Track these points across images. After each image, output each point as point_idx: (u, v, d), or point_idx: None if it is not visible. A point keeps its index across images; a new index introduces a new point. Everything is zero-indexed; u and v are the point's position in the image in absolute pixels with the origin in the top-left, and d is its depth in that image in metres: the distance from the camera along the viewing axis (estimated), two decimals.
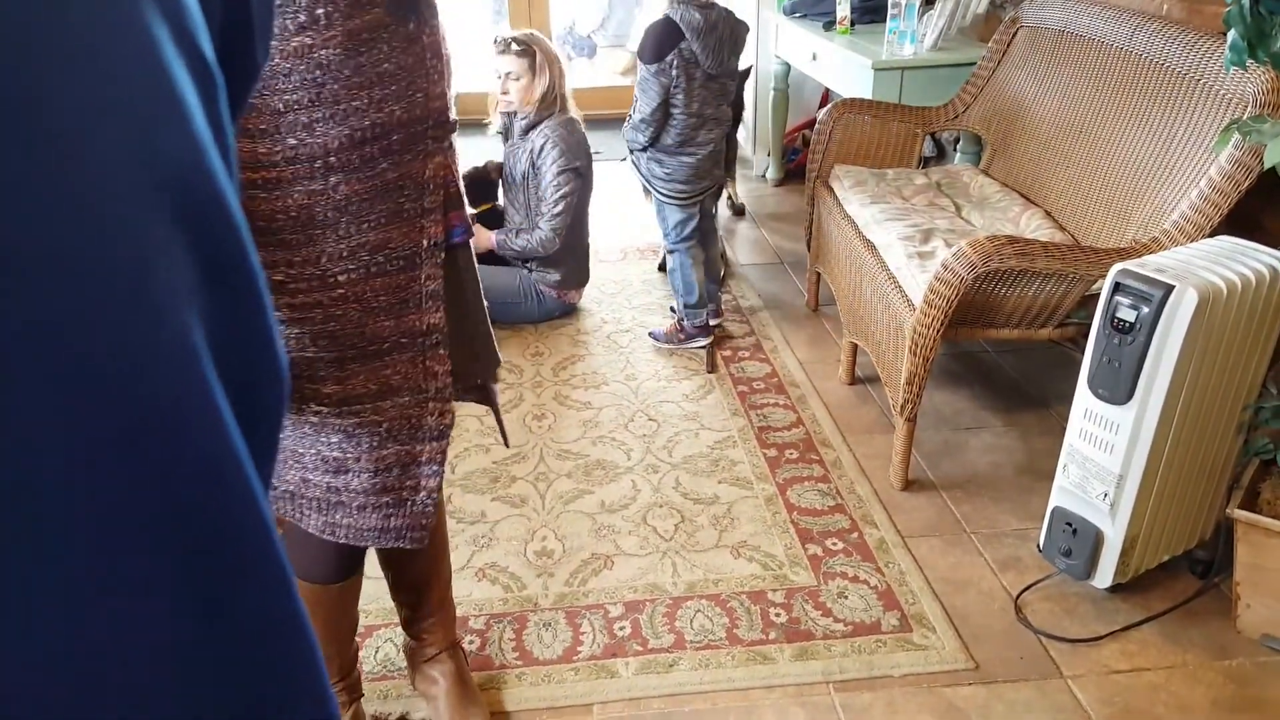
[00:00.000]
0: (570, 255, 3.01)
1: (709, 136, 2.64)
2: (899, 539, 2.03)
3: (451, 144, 1.26)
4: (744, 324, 3.02)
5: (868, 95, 2.95)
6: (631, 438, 2.43)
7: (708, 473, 2.28)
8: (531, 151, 2.89)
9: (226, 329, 0.34)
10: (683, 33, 2.47)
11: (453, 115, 1.28)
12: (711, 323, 2.87)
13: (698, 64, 2.51)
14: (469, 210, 1.41)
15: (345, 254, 1.18)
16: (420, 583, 1.57)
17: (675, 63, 2.49)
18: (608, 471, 2.29)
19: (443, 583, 1.61)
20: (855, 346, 2.60)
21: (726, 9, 2.57)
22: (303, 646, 0.38)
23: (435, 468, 1.30)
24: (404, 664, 1.68)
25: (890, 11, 2.99)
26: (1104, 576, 1.78)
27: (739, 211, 3.93)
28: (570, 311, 3.12)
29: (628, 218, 3.97)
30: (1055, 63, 2.59)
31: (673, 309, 2.96)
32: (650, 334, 2.92)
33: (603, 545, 2.03)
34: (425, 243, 1.23)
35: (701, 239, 2.80)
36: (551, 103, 2.88)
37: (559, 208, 2.88)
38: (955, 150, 3.22)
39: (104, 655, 0.30)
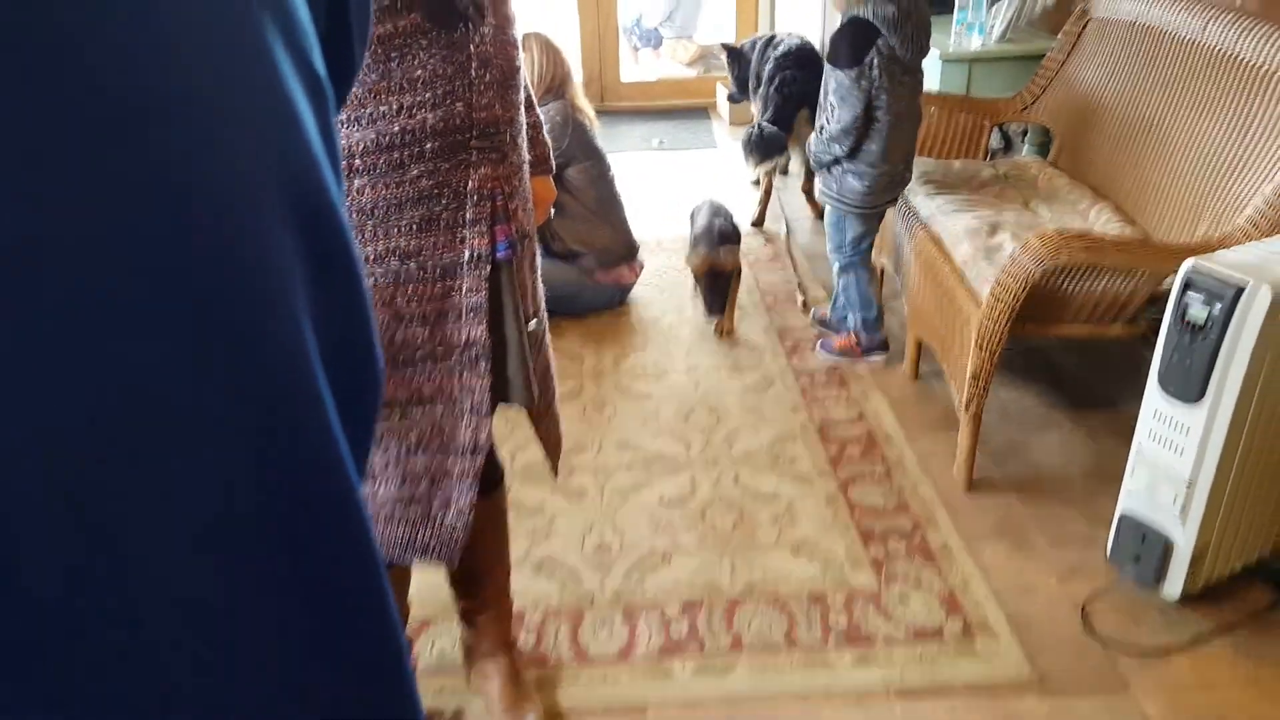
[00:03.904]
0: (595, 235, 3.01)
1: (904, 136, 2.44)
2: (962, 542, 1.99)
3: (507, 156, 1.23)
4: (806, 316, 2.99)
5: (935, 87, 2.90)
6: (692, 431, 2.44)
7: (768, 468, 2.28)
8: None
9: (332, 326, 0.37)
10: (877, 29, 2.31)
11: (516, 126, 1.24)
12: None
13: (897, 59, 2.33)
14: None
15: (371, 258, 1.18)
16: (480, 573, 1.58)
17: (876, 63, 2.30)
18: (667, 465, 2.31)
19: (502, 575, 1.63)
20: (920, 341, 2.56)
21: None
22: (394, 642, 0.41)
23: (467, 484, 1.28)
24: (460, 660, 1.70)
25: (957, 3, 2.93)
26: (1174, 585, 1.73)
27: (822, 215, 3.82)
28: (626, 298, 3.13)
29: (690, 205, 3.96)
30: (1126, 55, 2.51)
31: (813, 318, 2.94)
32: (820, 345, 2.77)
33: (661, 541, 2.04)
34: (467, 254, 1.21)
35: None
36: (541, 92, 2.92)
37: None
38: (1023, 143, 3.14)
39: (208, 616, 0.33)
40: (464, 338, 1.24)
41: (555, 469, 1.57)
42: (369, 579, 0.39)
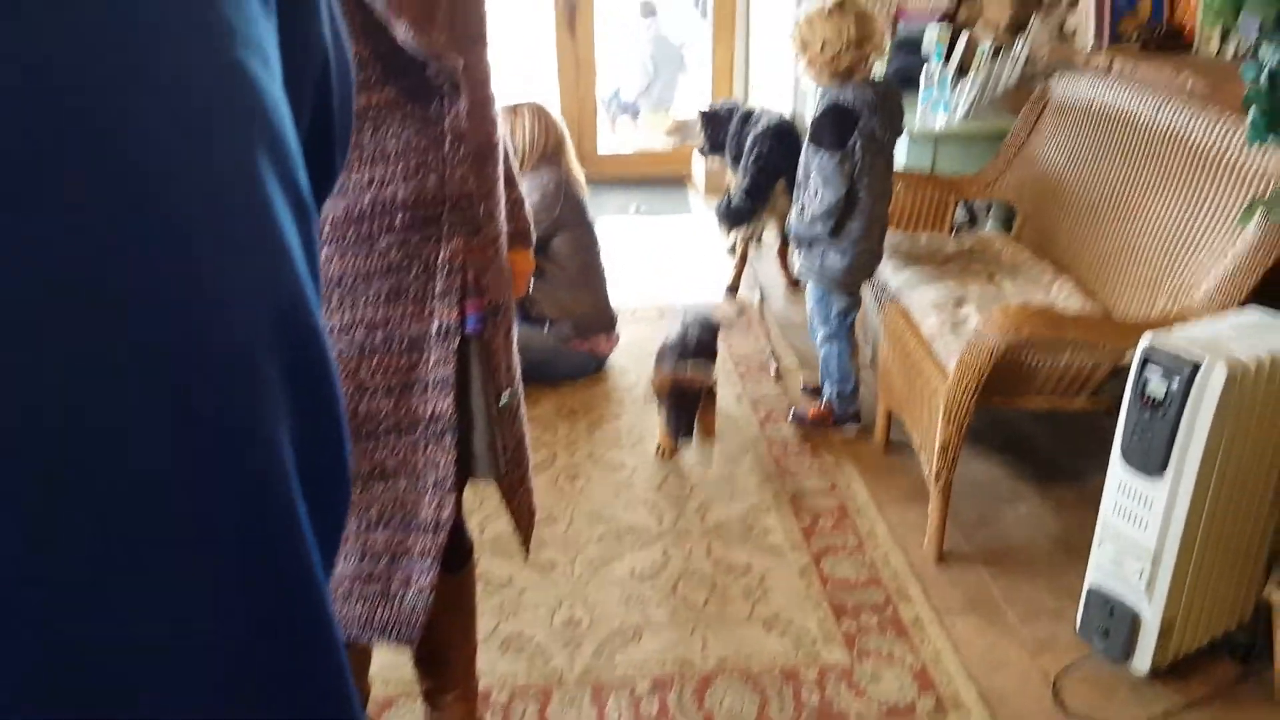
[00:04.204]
0: (575, 303, 3.04)
1: (882, 212, 2.53)
2: (934, 615, 1.99)
3: (481, 230, 1.22)
4: (778, 386, 3.02)
5: (901, 163, 2.97)
6: (664, 501, 2.43)
7: (740, 540, 2.27)
8: None
9: (308, 445, 0.38)
10: (857, 113, 2.37)
11: (492, 200, 1.24)
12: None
13: (876, 140, 2.40)
14: None
15: (337, 329, 1.18)
16: (445, 652, 1.55)
17: (858, 145, 2.38)
18: (639, 536, 2.29)
19: (469, 654, 1.60)
20: (890, 412, 2.59)
21: (886, 79, 2.49)
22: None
23: (429, 562, 1.25)
24: None
25: (923, 82, 3.02)
26: (1143, 659, 1.73)
27: (796, 284, 3.88)
28: (603, 366, 3.15)
29: (665, 275, 4.01)
30: (1084, 135, 2.59)
31: (804, 388, 2.92)
32: (793, 416, 2.78)
33: (632, 615, 2.02)
34: (435, 326, 1.20)
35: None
36: (525, 160, 2.99)
37: None
38: (987, 217, 3.22)
39: (171, 689, 0.34)
40: (430, 411, 1.22)
41: (527, 546, 1.54)
42: (328, 664, 0.40)
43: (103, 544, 0.31)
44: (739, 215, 3.56)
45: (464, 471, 1.30)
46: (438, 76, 1.14)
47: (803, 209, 2.49)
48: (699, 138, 4.11)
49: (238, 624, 0.35)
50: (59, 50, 0.29)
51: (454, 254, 1.19)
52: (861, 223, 2.45)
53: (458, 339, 1.22)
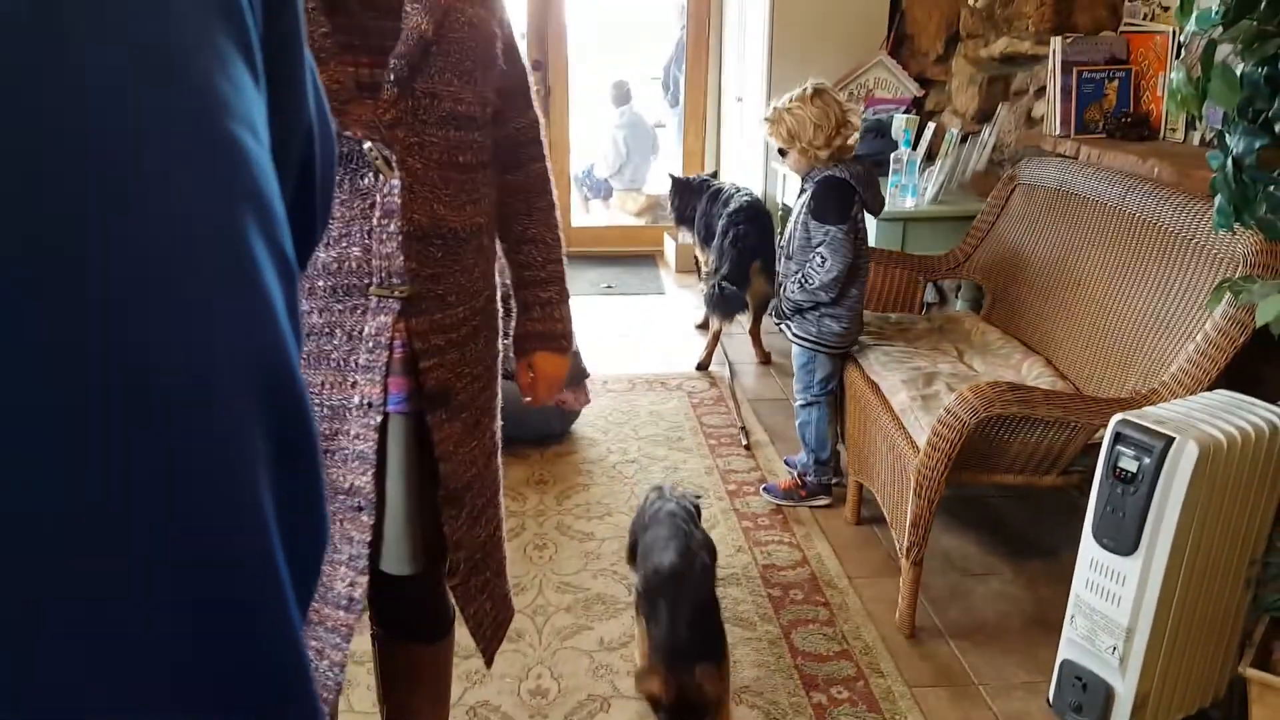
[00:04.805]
0: None
1: (866, 281, 2.64)
2: (906, 690, 1.97)
3: (426, 312, 1.19)
4: (749, 459, 3.02)
5: (871, 244, 3.04)
6: (634, 572, 2.40)
7: None
8: None
9: (289, 499, 0.39)
10: (854, 187, 2.50)
11: (447, 285, 1.20)
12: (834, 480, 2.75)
13: (869, 210, 2.55)
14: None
15: None
16: None
17: (859, 217, 2.52)
18: (608, 606, 2.25)
19: None
20: (860, 485, 2.59)
21: (863, 160, 2.61)
22: None
23: (340, 638, 1.21)
24: None
25: (892, 167, 3.12)
26: None
27: (766, 360, 3.90)
28: (569, 428, 3.13)
29: (637, 347, 4.03)
30: (1052, 218, 2.67)
31: (788, 463, 2.88)
32: (765, 489, 2.78)
33: (599, 686, 1.97)
34: (356, 399, 1.17)
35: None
36: None
37: None
38: (956, 297, 3.29)
39: None
40: (348, 484, 1.18)
41: (487, 658, 1.43)
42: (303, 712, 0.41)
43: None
44: (733, 304, 3.64)
45: (383, 562, 1.24)
46: (371, 152, 1.13)
47: (805, 279, 2.55)
48: (669, 208, 4.22)
49: (214, 687, 0.36)
50: (60, 118, 0.31)
51: (380, 329, 1.16)
52: (860, 289, 2.60)
53: (380, 416, 1.18)
